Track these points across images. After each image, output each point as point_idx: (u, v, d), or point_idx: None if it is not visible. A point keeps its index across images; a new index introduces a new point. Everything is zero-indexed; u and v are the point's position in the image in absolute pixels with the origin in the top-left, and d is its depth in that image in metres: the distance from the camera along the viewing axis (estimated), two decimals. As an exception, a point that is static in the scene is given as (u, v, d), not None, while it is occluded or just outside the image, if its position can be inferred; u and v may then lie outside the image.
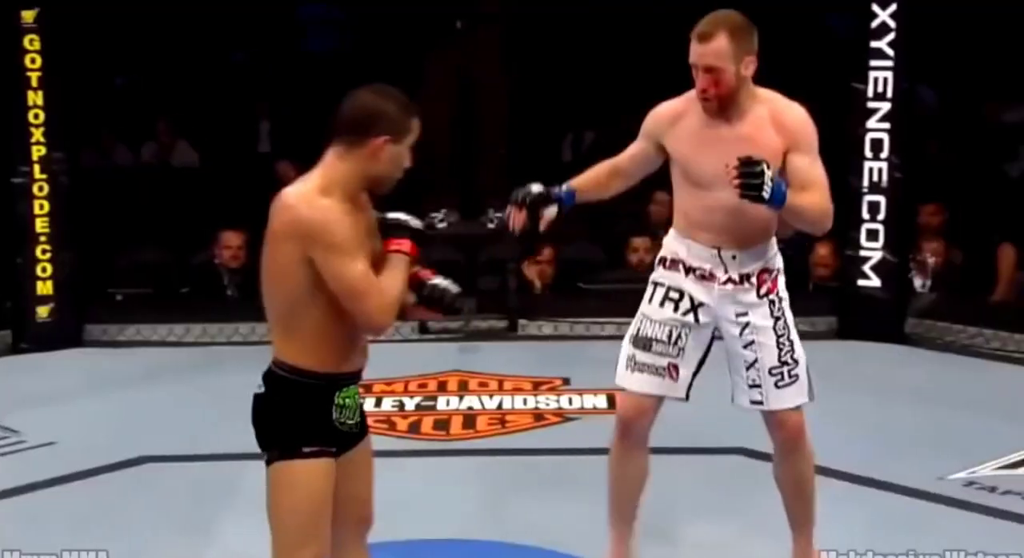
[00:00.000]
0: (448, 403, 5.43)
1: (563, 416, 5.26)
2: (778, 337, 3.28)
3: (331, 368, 2.67)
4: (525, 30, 7.87)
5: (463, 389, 5.57)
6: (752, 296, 3.29)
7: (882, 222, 6.30)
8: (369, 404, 5.39)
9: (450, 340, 6.42)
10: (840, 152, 6.49)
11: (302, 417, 2.67)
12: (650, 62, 8.58)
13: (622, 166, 3.45)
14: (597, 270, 7.31)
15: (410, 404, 5.42)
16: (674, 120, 3.31)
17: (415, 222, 2.74)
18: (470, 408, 5.36)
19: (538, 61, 8.40)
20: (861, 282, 6.38)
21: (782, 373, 3.29)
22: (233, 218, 6.95)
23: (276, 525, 2.69)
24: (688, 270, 3.33)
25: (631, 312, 3.48)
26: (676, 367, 3.34)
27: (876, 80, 6.24)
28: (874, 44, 6.21)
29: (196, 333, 6.53)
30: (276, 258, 2.61)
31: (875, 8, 6.20)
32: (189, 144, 8.76)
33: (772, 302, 3.30)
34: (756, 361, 3.30)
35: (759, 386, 3.31)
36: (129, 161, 8.83)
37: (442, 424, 5.16)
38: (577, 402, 5.40)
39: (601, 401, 5.36)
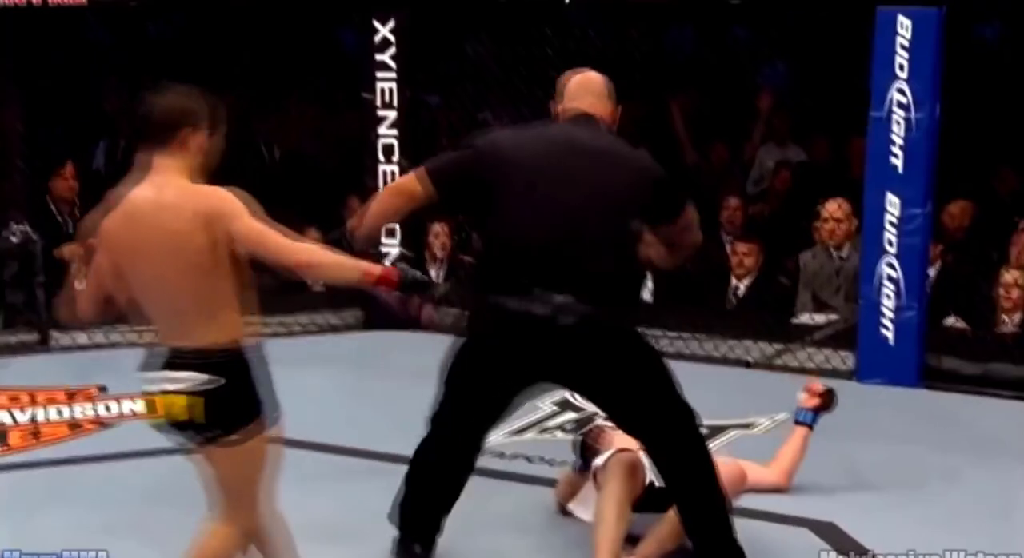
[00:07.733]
0: (-23, 421, 5.00)
1: (101, 423, 4.98)
2: None
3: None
4: (48, 39, 7.36)
5: (-7, 405, 5.15)
6: None
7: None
8: None
9: (-25, 357, 5.92)
10: (357, 157, 6.65)
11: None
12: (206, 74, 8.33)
13: None
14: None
15: (-67, 426, 4.94)
16: None
17: None
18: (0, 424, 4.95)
19: (68, 68, 7.91)
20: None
21: None
22: None
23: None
24: None
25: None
26: None
27: (383, 90, 6.41)
28: (378, 57, 6.36)
29: None
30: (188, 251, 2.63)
31: (376, 24, 6.35)
32: None
33: None
34: None
35: None
36: None
37: (-30, 443, 4.75)
38: (114, 408, 5.13)
39: (139, 406, 5.11)
